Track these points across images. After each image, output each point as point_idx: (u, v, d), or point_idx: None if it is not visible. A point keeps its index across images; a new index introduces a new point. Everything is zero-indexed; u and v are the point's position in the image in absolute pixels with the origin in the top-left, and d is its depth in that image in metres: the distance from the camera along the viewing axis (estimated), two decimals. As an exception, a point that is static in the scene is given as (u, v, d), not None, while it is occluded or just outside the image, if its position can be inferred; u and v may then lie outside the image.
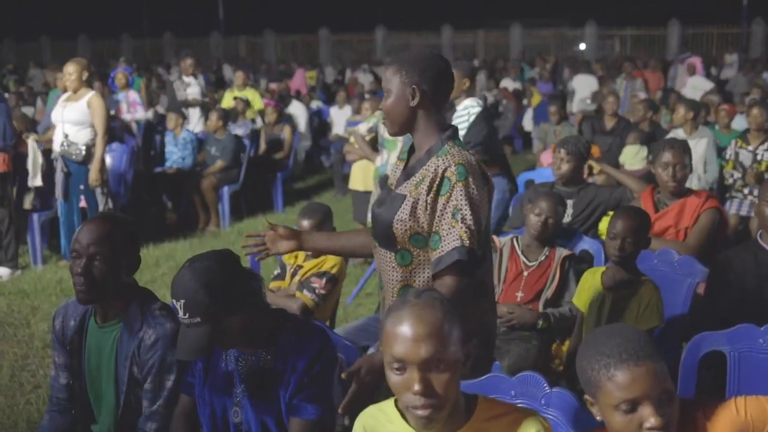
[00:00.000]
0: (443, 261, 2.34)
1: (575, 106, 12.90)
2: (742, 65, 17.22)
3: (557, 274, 3.72)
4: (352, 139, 7.29)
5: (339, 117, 10.98)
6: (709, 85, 11.93)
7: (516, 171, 6.26)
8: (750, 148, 6.65)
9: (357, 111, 10.02)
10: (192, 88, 9.25)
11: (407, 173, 2.48)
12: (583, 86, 13.40)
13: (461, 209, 2.32)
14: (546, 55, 22.03)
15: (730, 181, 6.68)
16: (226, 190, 7.99)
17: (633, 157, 7.84)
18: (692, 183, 6.50)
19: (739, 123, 8.49)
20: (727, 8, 25.21)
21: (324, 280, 3.86)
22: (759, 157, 6.57)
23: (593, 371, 1.78)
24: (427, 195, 2.38)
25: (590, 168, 4.77)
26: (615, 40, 26.74)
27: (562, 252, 3.79)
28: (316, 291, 3.84)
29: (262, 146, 9.19)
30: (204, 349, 2.20)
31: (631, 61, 13.53)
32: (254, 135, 9.16)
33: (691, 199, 4.17)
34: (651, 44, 25.25)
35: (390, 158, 6.09)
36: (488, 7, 29.89)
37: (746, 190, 6.50)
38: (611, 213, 4.54)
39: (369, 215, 6.16)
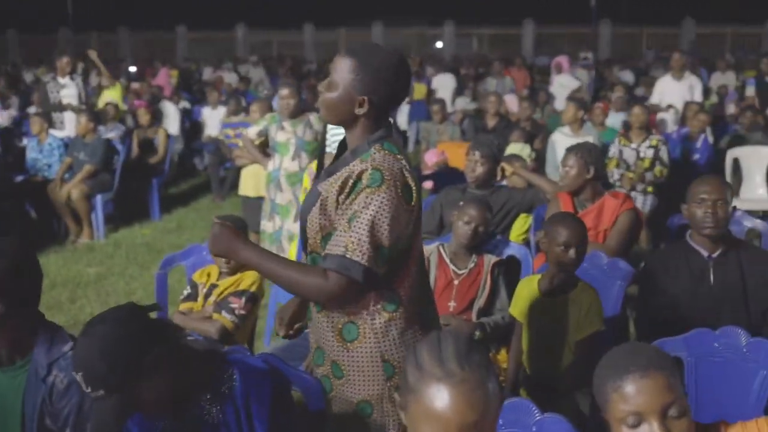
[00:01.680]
0: (327, 261, 2.15)
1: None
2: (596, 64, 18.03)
3: (488, 282, 3.62)
4: (241, 143, 6.96)
5: (212, 118, 10.54)
6: (575, 83, 12.32)
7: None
8: (633, 146, 6.85)
9: (233, 112, 9.62)
10: (68, 90, 8.51)
11: (330, 170, 2.30)
12: (443, 85, 13.50)
13: (358, 217, 2.12)
14: (407, 54, 22.28)
15: (615, 178, 6.86)
16: (99, 199, 7.44)
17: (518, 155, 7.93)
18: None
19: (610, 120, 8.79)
20: (577, 9, 26.34)
21: (243, 300, 3.57)
22: (642, 155, 6.79)
23: (602, 384, 1.73)
24: (338, 195, 2.18)
25: (502, 170, 4.72)
26: (473, 38, 27.39)
27: (490, 259, 3.69)
28: (236, 311, 3.55)
29: (135, 150, 8.65)
30: (114, 423, 1.92)
31: (502, 61, 13.79)
32: (126, 138, 8.60)
33: (608, 200, 4.20)
34: (507, 43, 26.01)
35: (283, 162, 5.83)
36: (350, 5, 29.84)
37: (636, 187, 6.65)
38: (524, 215, 4.55)
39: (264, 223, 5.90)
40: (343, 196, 2.18)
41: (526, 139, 8.00)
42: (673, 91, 8.99)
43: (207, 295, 3.64)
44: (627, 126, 9.38)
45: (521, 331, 3.26)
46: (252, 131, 6.16)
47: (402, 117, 13.10)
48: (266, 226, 5.91)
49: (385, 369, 2.23)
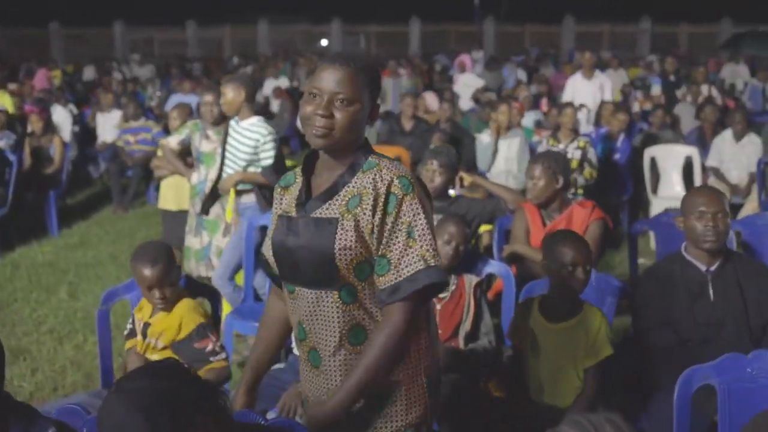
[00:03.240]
0: (402, 288, 1.97)
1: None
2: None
3: (472, 304, 3.38)
4: (159, 152, 6.44)
5: (107, 122, 9.82)
6: (479, 82, 12.32)
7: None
8: (561, 146, 6.80)
9: (133, 116, 8.98)
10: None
11: (326, 193, 2.04)
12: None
13: (416, 225, 1.98)
14: (293, 52, 21.86)
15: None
16: (-8, 216, 6.74)
17: (439, 157, 7.76)
18: (508, 182, 6.53)
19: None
20: (462, 7, 26.60)
21: (209, 335, 3.19)
22: (570, 156, 6.74)
23: None
24: (373, 216, 1.98)
25: (460, 179, 4.50)
26: (360, 36, 27.22)
27: (471, 279, 3.46)
28: (216, 349, 3.16)
29: (27, 160, 7.92)
30: None
31: (396, 59, 13.64)
32: (17, 147, 7.84)
33: (577, 210, 4.05)
34: (394, 41, 26.00)
35: (209, 174, 5.40)
36: (234, 2, 29.02)
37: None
38: (486, 226, 4.35)
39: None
40: (380, 215, 1.98)
41: (447, 141, 7.84)
42: (585, 90, 9.06)
43: (143, 334, 3.18)
44: (539, 124, 9.48)
45: (521, 359, 3.04)
46: (173, 140, 5.69)
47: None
48: (192, 242, 5.45)
49: (428, 386, 2.12)
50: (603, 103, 8.70)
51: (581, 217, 4.01)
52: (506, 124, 6.91)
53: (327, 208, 2.02)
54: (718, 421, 2.58)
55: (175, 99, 11.67)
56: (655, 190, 7.78)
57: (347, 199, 2.01)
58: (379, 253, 1.99)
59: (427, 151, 4.48)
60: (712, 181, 7.51)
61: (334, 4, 27.07)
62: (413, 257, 1.97)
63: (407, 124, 8.33)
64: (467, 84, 12.13)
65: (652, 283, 3.21)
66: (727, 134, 7.62)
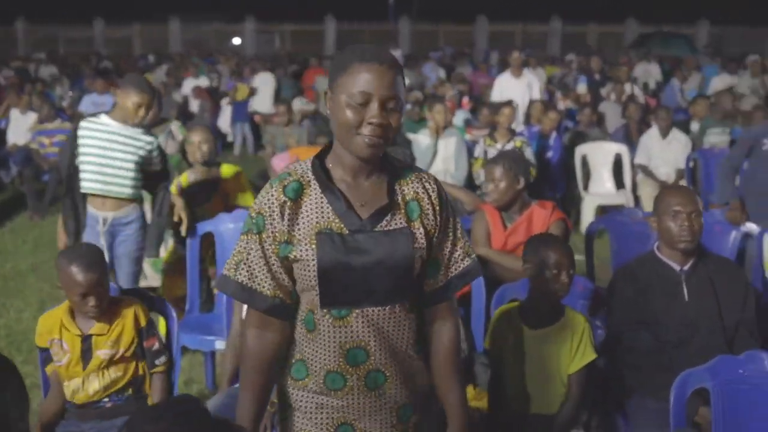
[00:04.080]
0: (453, 285, 2.03)
1: (258, 104, 12.46)
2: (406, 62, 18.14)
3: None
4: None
5: (19, 124, 9.30)
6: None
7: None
8: (498, 146, 6.79)
9: (47, 118, 8.52)
10: None
11: (386, 204, 1.94)
12: (264, 85, 12.90)
13: (457, 223, 2.06)
14: (206, 51, 21.40)
15: (481, 179, 6.76)
16: None
17: (373, 157, 7.65)
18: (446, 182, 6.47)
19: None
20: (377, 6, 26.61)
21: (155, 334, 3.01)
22: (507, 155, 6.73)
23: None
24: (436, 221, 1.98)
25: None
26: (275, 35, 26.86)
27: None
28: (160, 348, 2.99)
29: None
30: None
31: (317, 58, 13.45)
32: None
33: (537, 211, 3.99)
34: (309, 40, 25.76)
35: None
36: (144, 0, 28.19)
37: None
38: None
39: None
40: (440, 219, 1.99)
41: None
42: (513, 89, 9.09)
43: (85, 352, 2.88)
44: (468, 123, 9.48)
45: (500, 368, 2.94)
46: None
47: (224, 119, 12.42)
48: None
49: None
50: (532, 102, 8.76)
51: (542, 218, 3.96)
52: (443, 124, 6.85)
53: (392, 219, 1.93)
54: (712, 423, 2.55)
55: (89, 99, 11.20)
56: (586, 187, 7.89)
57: (404, 207, 1.96)
58: (432, 255, 1.99)
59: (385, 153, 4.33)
60: (641, 178, 7.66)
61: (248, 2, 26.62)
62: (460, 254, 2.02)
63: None
64: (393, 83, 12.02)
65: (627, 284, 3.17)
66: (654, 132, 7.78)
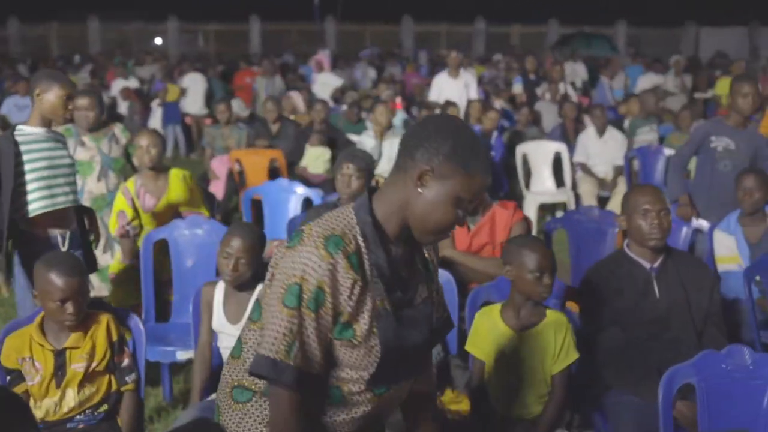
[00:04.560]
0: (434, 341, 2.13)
1: (188, 106, 12.20)
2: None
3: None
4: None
5: (-62, 130, 8.85)
6: (338, 81, 12.19)
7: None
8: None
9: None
10: None
11: (413, 280, 1.93)
12: (194, 85, 12.61)
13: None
14: (128, 51, 20.84)
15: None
16: None
17: (316, 159, 7.59)
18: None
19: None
20: (302, 5, 26.43)
21: (126, 349, 2.90)
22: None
23: None
24: (437, 281, 2.07)
25: (377, 183, 4.34)
26: (198, 35, 26.37)
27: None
28: (130, 365, 2.88)
29: None
30: None
31: (246, 60, 13.26)
32: None
33: (499, 211, 3.99)
34: (234, 40, 25.40)
35: (86, 184, 4.94)
36: (61, -1, 27.28)
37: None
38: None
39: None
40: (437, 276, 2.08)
41: (324, 142, 7.68)
42: (451, 89, 9.15)
43: (59, 368, 2.74)
44: (407, 123, 9.48)
45: (482, 371, 2.92)
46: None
47: (154, 121, 12.09)
48: (104, 259, 4.99)
49: None
50: (470, 101, 8.82)
51: (504, 219, 3.97)
52: (387, 125, 6.84)
53: (419, 289, 1.93)
54: (697, 418, 2.59)
55: (11, 101, 10.77)
56: (527, 186, 7.98)
57: (424, 271, 1.96)
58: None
59: (341, 154, 4.27)
60: (581, 176, 7.80)
61: (170, 1, 26.06)
62: (442, 310, 2.08)
63: (274, 127, 8.05)
64: (326, 83, 11.96)
65: (599, 282, 3.20)
66: (591, 130, 7.94)
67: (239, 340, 1.98)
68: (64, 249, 3.77)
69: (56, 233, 3.82)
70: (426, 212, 1.79)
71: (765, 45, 22.60)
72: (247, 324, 1.98)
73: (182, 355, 3.81)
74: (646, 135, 8.02)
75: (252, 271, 3.14)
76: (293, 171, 7.44)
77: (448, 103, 7.08)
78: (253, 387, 1.92)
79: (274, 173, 7.24)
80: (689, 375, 2.57)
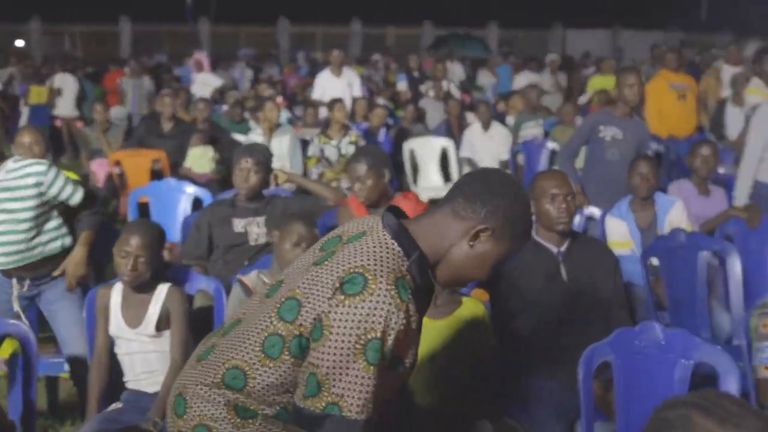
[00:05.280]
0: None
1: (59, 108, 11.60)
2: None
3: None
4: None
5: None
6: (218, 81, 11.90)
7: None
8: (333, 143, 6.75)
9: None
10: None
11: None
12: (66, 87, 11.99)
13: None
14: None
15: (315, 175, 6.68)
16: None
17: (200, 159, 7.34)
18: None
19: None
20: (174, 6, 25.68)
21: None
22: (344, 151, 6.72)
23: None
24: None
25: (275, 178, 4.20)
26: (65, 36, 25.15)
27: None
28: None
29: None
30: None
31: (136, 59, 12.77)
32: None
33: (401, 203, 3.95)
34: (104, 42, 24.41)
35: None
36: None
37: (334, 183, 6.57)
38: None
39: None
40: None
41: (206, 141, 7.44)
42: (334, 87, 9.08)
43: None
44: (291, 122, 9.35)
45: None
46: None
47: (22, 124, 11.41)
48: None
49: None
50: (356, 99, 8.79)
51: (407, 209, 3.90)
52: (276, 122, 6.71)
53: None
54: (614, 394, 2.63)
55: None
56: (415, 181, 8.02)
57: None
58: None
59: (239, 149, 4.13)
60: (467, 170, 7.91)
61: (32, 1, 24.76)
62: None
63: (166, 126, 7.70)
64: (206, 83, 11.64)
65: (507, 268, 3.20)
66: (476, 126, 8.07)
67: (238, 369, 1.82)
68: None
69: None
70: (466, 265, 1.81)
71: (627, 46, 23.79)
72: (253, 355, 1.81)
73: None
74: (532, 129, 8.23)
75: (152, 271, 2.96)
76: (177, 172, 7.17)
77: (335, 100, 6.99)
78: (259, 412, 1.82)
79: (156, 175, 6.95)
80: (606, 353, 2.60)
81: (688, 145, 6.90)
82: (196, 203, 5.27)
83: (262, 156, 3.96)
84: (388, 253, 1.75)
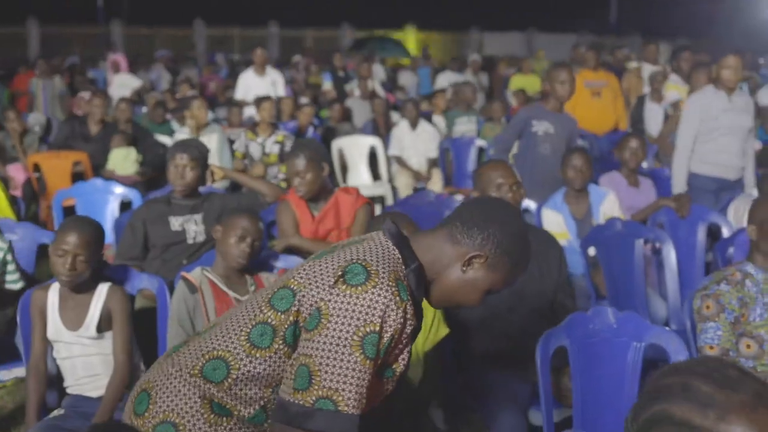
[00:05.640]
0: None
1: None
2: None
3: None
4: None
5: None
6: (136, 81, 11.60)
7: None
8: (259, 140, 6.66)
9: None
10: None
11: None
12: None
13: None
14: None
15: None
16: None
17: (123, 160, 7.12)
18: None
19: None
20: (85, 8, 24.91)
21: None
22: (268, 150, 6.64)
23: None
24: None
25: (212, 174, 4.09)
26: (-33, 38, 24.07)
27: (269, 277, 3.16)
28: None
29: None
30: None
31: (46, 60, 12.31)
32: None
33: (342, 197, 3.92)
34: (10, 43, 23.47)
35: None
36: None
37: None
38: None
39: None
40: None
41: (129, 142, 7.22)
42: (258, 87, 8.97)
43: None
44: (217, 121, 9.17)
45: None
46: None
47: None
48: None
49: None
50: (282, 98, 8.69)
51: (348, 204, 3.90)
52: (204, 121, 6.57)
53: None
54: (570, 377, 2.65)
55: None
56: (344, 180, 7.98)
57: None
58: None
59: (173, 145, 4.00)
60: (396, 168, 7.92)
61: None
62: None
63: (94, 129, 7.39)
64: (124, 84, 11.33)
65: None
66: (403, 124, 8.08)
67: (220, 360, 1.75)
68: None
69: None
70: (457, 289, 1.80)
71: (542, 48, 24.33)
72: (238, 345, 1.75)
73: (5, 375, 3.37)
74: (466, 125, 8.30)
75: (91, 270, 2.83)
76: (99, 174, 6.93)
77: (262, 98, 6.89)
78: (234, 412, 1.76)
79: (78, 178, 6.71)
80: (561, 338, 2.62)
81: (606, 142, 7.13)
82: (124, 205, 5.11)
83: (198, 152, 3.85)
84: (389, 255, 1.74)
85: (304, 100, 9.85)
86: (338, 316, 1.63)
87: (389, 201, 7.62)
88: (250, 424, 1.76)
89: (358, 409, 1.64)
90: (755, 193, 4.29)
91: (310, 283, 1.70)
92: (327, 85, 10.99)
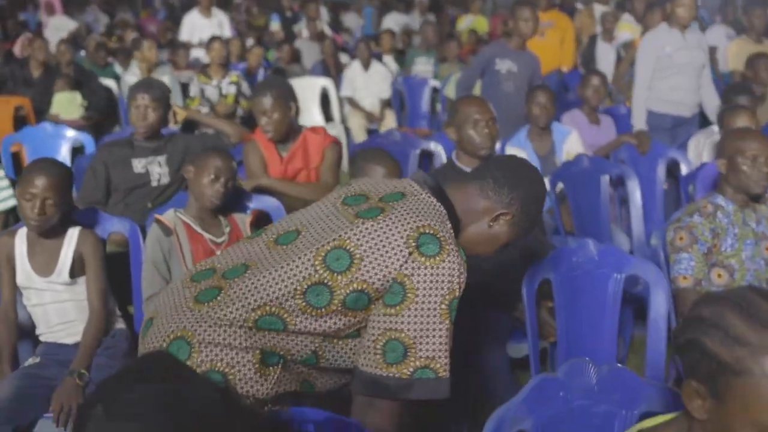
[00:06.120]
0: None
1: None
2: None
3: (252, 245, 3.01)
4: None
5: None
6: (72, 24, 11.14)
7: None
8: (214, 83, 6.49)
9: None
10: None
11: None
12: None
13: None
14: None
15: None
16: None
17: (68, 105, 6.88)
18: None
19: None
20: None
21: None
22: (225, 92, 6.48)
23: None
24: None
25: (174, 115, 3.95)
26: None
27: (244, 218, 3.11)
28: None
29: None
30: None
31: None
32: None
33: (309, 136, 3.86)
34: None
35: None
36: None
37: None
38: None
39: None
40: None
41: (72, 86, 6.97)
42: (204, 28, 8.73)
43: None
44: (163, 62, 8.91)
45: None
46: None
47: None
48: None
49: None
50: (230, 39, 8.47)
51: (316, 143, 3.83)
52: (155, 62, 6.37)
53: None
54: (548, 310, 2.69)
55: None
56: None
57: None
58: None
59: (133, 85, 3.84)
60: (349, 110, 7.84)
61: None
62: None
63: (36, 72, 7.09)
64: (60, 27, 10.88)
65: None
66: (356, 65, 7.97)
67: (276, 317, 1.75)
68: None
69: None
70: (481, 242, 1.91)
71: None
72: (293, 303, 1.75)
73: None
74: (423, 66, 8.23)
75: (61, 214, 2.73)
76: (43, 119, 6.68)
77: (213, 39, 6.69)
78: (287, 357, 1.81)
79: (20, 123, 6.46)
80: (546, 271, 2.65)
81: (548, 82, 7.14)
82: (74, 150, 4.94)
83: (160, 92, 3.72)
84: (440, 215, 1.81)
85: (249, 41, 9.62)
86: (424, 288, 1.69)
87: (342, 142, 7.54)
88: (300, 365, 1.80)
89: (449, 371, 1.73)
90: (716, 129, 4.35)
91: (374, 253, 1.71)
92: (275, 25, 10.75)
